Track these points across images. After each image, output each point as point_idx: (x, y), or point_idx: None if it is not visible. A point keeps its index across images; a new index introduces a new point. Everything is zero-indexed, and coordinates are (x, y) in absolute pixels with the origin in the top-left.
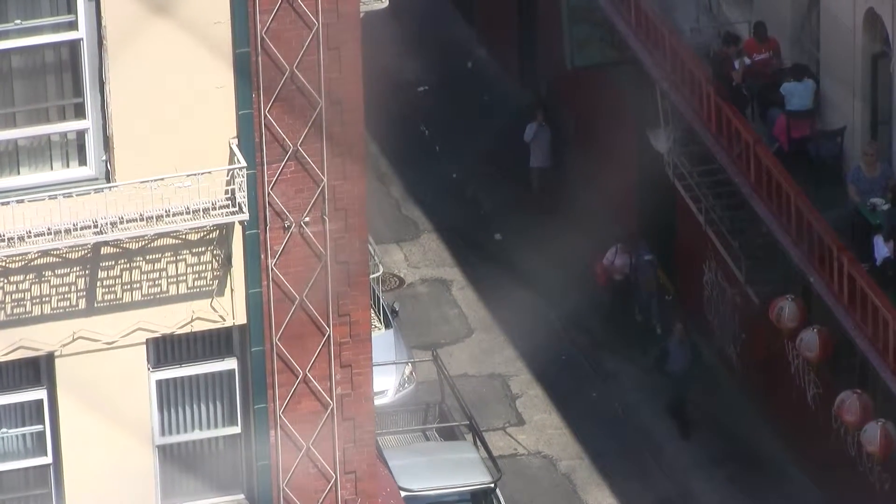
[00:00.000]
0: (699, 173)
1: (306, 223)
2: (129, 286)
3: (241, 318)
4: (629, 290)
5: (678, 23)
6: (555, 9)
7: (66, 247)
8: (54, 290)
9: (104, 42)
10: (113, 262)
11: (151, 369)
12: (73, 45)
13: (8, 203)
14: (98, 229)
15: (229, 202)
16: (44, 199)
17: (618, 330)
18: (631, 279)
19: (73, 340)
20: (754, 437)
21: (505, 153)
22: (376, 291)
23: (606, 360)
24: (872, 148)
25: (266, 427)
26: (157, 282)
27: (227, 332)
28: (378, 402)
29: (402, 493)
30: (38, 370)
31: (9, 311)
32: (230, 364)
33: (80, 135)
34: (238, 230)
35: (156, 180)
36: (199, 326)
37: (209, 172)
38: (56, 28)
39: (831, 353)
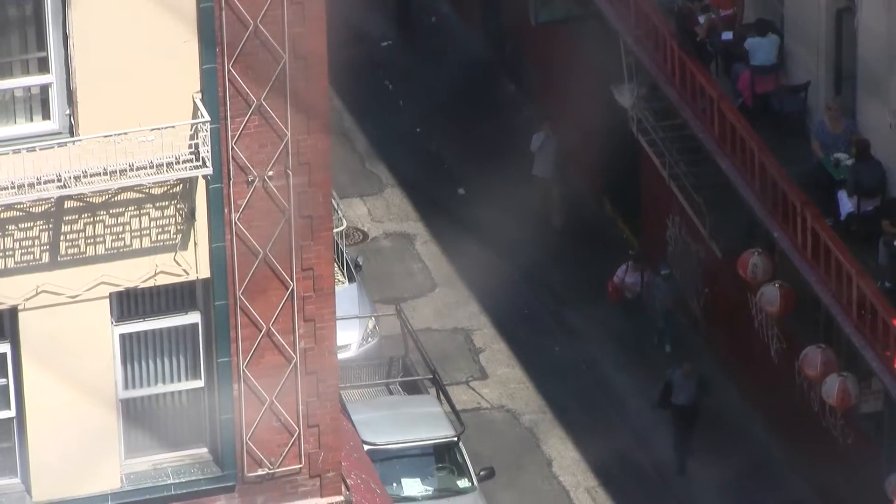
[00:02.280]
0: (663, 128)
1: (270, 177)
2: (92, 240)
3: (205, 272)
4: (641, 307)
5: None
6: None
7: (29, 201)
8: (18, 244)
9: None
10: (76, 216)
11: (115, 323)
12: (37, 0)
13: None
14: (62, 183)
15: (193, 156)
16: (7, 154)
17: (641, 356)
18: (643, 297)
19: (37, 294)
20: (717, 392)
21: (468, 108)
22: (340, 246)
23: (569, 315)
24: (836, 103)
25: (229, 381)
26: (120, 236)
27: (191, 285)
28: (341, 356)
29: (366, 447)
30: (1, 324)
31: None
32: (193, 318)
33: (44, 89)
34: (202, 184)
35: (119, 134)
36: (163, 280)
37: (173, 127)
38: None
39: (792, 308)
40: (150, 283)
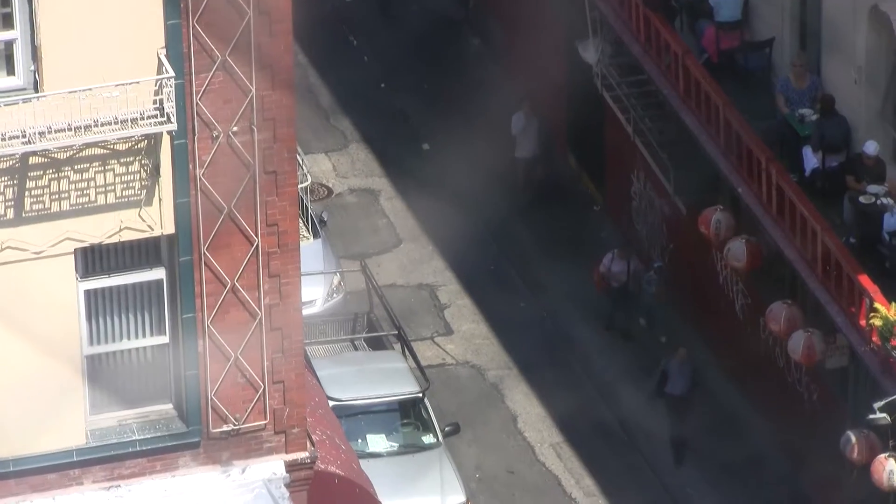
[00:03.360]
0: (628, 84)
1: (234, 133)
2: (57, 196)
3: (170, 228)
4: (627, 296)
5: None
6: None
7: None
8: None
9: None
10: (41, 172)
11: (80, 279)
12: None
13: None
14: (26, 139)
15: (157, 112)
16: None
17: (621, 338)
18: (629, 286)
19: (2, 250)
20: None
21: (432, 64)
22: (305, 201)
23: (534, 271)
24: (801, 59)
25: (194, 337)
26: (85, 192)
27: (156, 241)
28: (306, 311)
29: (331, 403)
30: None
31: None
32: (158, 274)
33: (8, 45)
34: (166, 140)
35: (84, 90)
36: (128, 236)
37: (137, 82)
38: None
39: (759, 263)
40: (115, 239)
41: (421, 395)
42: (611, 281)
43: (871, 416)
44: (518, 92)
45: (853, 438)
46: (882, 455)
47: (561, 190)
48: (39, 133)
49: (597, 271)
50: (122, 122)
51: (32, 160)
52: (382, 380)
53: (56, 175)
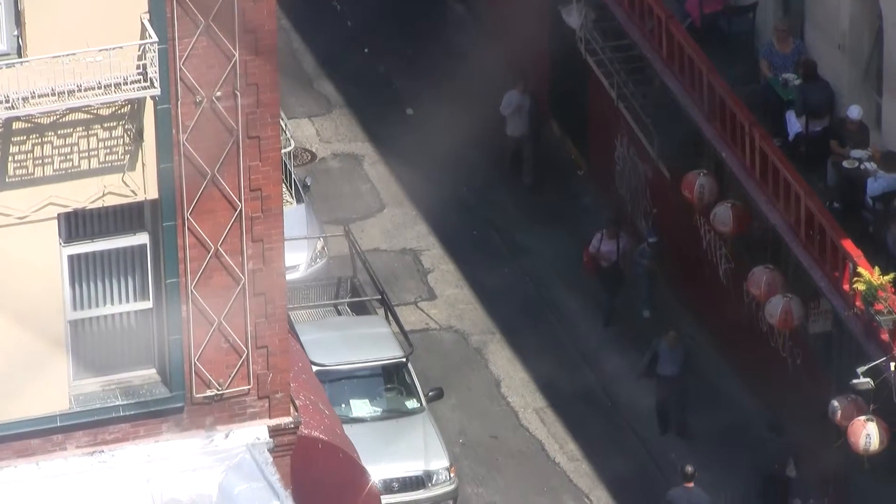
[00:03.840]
0: (611, 49)
1: (218, 98)
2: (40, 161)
3: (153, 193)
4: (618, 277)
5: None
6: None
7: None
8: None
9: None
10: (25, 137)
11: (63, 244)
12: None
13: None
14: (10, 104)
15: (141, 77)
16: None
17: (621, 327)
18: (619, 265)
19: None
20: (666, 314)
21: (416, 29)
22: (288, 166)
23: (518, 236)
24: (785, 24)
25: (178, 302)
26: (68, 156)
27: (139, 206)
28: (290, 276)
29: (314, 368)
30: None
31: None
32: (142, 239)
33: None
34: (150, 105)
35: (67, 55)
36: (111, 201)
37: (121, 47)
38: None
39: (745, 227)
40: (99, 204)
41: (404, 359)
42: (601, 261)
43: (855, 381)
44: (499, 56)
45: (838, 405)
46: (862, 417)
47: (544, 155)
48: (23, 98)
49: (586, 252)
50: (105, 87)
51: (16, 125)
52: (366, 345)
53: (39, 140)
